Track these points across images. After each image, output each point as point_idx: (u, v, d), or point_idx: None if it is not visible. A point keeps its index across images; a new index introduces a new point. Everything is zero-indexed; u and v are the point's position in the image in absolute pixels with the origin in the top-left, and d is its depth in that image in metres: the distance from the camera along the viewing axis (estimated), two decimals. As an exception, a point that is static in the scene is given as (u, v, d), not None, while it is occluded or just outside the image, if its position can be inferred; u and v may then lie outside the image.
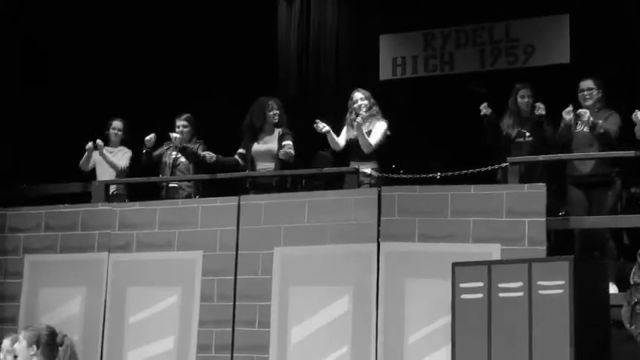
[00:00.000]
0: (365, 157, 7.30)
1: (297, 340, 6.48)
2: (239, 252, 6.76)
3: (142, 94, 9.99)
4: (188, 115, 8.04)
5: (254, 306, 6.63)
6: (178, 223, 6.99)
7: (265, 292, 6.62)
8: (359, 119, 7.26)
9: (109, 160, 8.10)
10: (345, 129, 7.52)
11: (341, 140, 7.46)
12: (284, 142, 7.43)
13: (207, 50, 10.42)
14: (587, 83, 7.20)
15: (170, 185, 7.87)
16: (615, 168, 6.97)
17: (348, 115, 7.51)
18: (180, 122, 7.99)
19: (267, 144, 7.62)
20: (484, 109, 7.46)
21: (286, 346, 6.50)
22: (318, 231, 6.57)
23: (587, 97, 7.16)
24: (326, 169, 7.84)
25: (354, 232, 6.47)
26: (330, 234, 6.54)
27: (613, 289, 6.36)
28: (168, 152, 7.98)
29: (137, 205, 7.26)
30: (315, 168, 8.11)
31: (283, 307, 6.56)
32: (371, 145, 7.26)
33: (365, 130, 7.29)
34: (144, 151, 7.89)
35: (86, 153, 8.13)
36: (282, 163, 7.53)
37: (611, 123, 7.02)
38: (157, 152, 7.95)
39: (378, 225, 6.42)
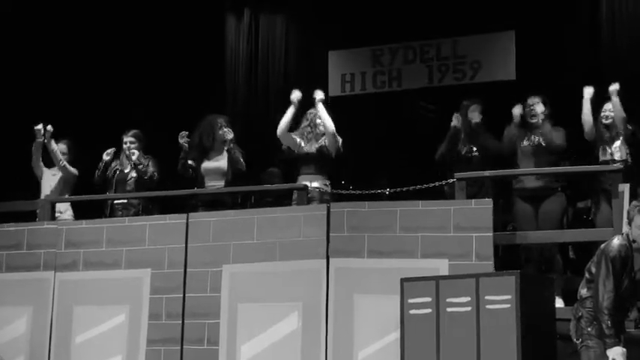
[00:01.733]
0: (314, 173, 7.30)
1: (247, 357, 6.44)
2: (188, 270, 6.72)
3: (86, 110, 9.89)
4: (136, 131, 7.99)
5: (203, 324, 6.58)
6: (126, 241, 6.92)
7: (214, 310, 6.58)
8: (320, 103, 7.29)
9: (53, 148, 7.97)
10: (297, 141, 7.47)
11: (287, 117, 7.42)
12: None
13: (152, 65, 10.36)
14: (533, 100, 7.31)
15: (118, 202, 7.80)
16: (561, 182, 7.07)
17: (302, 129, 7.49)
18: (127, 138, 7.94)
19: (217, 162, 7.61)
20: (455, 119, 7.51)
21: (235, 364, 6.47)
22: (267, 248, 6.55)
23: (534, 113, 7.26)
24: (275, 186, 7.83)
25: (304, 249, 6.46)
26: (279, 251, 6.52)
27: (559, 303, 6.43)
28: (118, 169, 7.92)
29: (84, 223, 7.18)
30: (264, 184, 8.09)
31: (232, 324, 6.52)
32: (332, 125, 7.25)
33: (317, 146, 7.32)
34: (101, 164, 7.83)
35: (34, 147, 8.02)
36: (232, 181, 7.52)
37: (558, 137, 7.13)
38: (109, 167, 7.89)
39: (327, 241, 6.42)
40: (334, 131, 7.30)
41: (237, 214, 6.84)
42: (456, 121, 7.51)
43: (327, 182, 7.34)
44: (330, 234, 6.42)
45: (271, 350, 6.41)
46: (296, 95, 7.42)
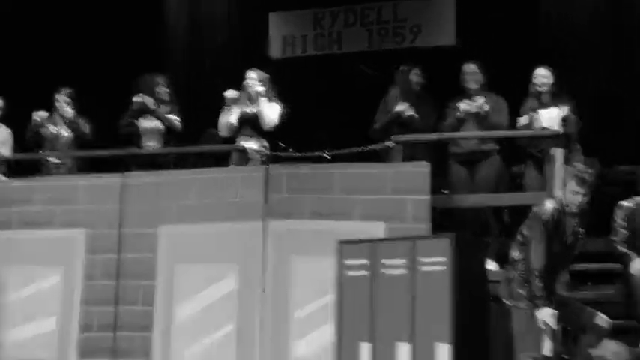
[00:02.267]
0: (253, 134, 7.26)
1: (182, 318, 6.44)
2: (123, 230, 6.65)
3: (20, 69, 9.67)
4: (69, 89, 7.84)
5: (138, 285, 6.54)
6: (60, 200, 6.82)
7: (150, 271, 6.54)
8: (259, 89, 7.22)
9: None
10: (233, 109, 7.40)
11: (233, 118, 7.34)
12: None
13: (89, 23, 10.15)
14: (470, 67, 7.32)
15: (53, 162, 7.66)
16: (496, 146, 7.13)
17: (241, 93, 7.42)
18: (60, 97, 7.78)
19: (155, 122, 7.53)
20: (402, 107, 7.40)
21: (171, 325, 6.44)
22: (205, 209, 6.52)
23: (471, 80, 7.28)
24: (213, 147, 7.77)
25: (241, 210, 6.44)
26: (216, 212, 6.49)
27: (493, 265, 6.52)
28: (50, 127, 7.77)
29: (16, 182, 7.05)
30: (203, 145, 8.02)
31: (168, 285, 6.49)
32: (273, 119, 7.21)
33: (255, 108, 7.26)
34: (32, 125, 7.67)
35: None
36: (169, 141, 7.45)
37: (498, 113, 7.11)
38: (41, 128, 7.74)
39: (265, 203, 6.42)
40: (275, 122, 7.24)
41: (174, 175, 6.79)
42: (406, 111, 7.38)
43: (266, 144, 7.30)
44: (268, 195, 6.41)
45: (207, 311, 6.40)
46: (230, 94, 7.29)
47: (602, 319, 5.39)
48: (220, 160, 7.65)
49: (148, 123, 7.53)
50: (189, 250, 6.52)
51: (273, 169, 6.54)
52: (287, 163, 6.84)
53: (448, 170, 7.24)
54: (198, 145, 8.04)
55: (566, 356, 5.82)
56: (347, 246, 5.86)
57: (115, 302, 6.56)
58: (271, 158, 7.17)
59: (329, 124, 9.73)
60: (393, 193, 6.30)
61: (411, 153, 6.87)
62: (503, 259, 6.23)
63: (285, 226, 6.37)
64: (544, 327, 5.23)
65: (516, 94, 7.23)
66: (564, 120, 6.88)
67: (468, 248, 5.60)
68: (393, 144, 6.70)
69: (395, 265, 5.62)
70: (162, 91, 7.53)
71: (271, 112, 7.25)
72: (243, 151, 7.09)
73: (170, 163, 7.43)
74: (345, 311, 5.78)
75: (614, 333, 5.27)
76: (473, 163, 7.12)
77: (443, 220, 7.06)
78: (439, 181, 7.07)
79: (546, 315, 5.24)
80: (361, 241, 5.87)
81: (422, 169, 6.33)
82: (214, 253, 6.45)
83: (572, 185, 5.37)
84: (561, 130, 6.79)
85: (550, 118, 6.91)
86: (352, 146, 7.06)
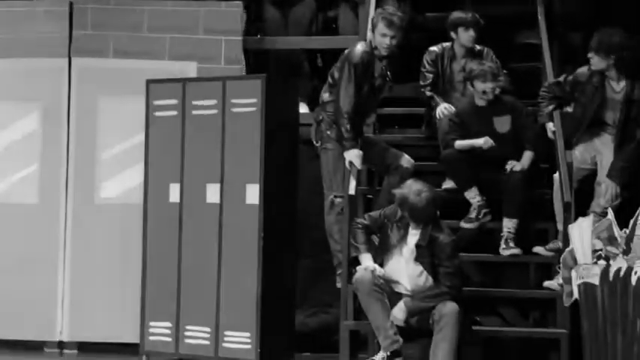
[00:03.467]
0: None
1: (-18, 157, 6.19)
2: None
3: None
4: None
5: None
6: None
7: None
8: None
9: None
10: None
11: None
12: None
13: None
14: None
15: None
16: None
17: None
18: None
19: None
20: None
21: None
22: (4, 44, 6.20)
23: None
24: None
25: (44, 46, 6.18)
26: (16, 47, 6.19)
27: (304, 108, 6.55)
28: None
29: None
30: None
31: (-34, 123, 6.19)
32: None
33: None
34: None
35: None
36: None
37: None
38: None
39: (70, 39, 6.17)
40: None
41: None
42: None
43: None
44: (73, 32, 6.18)
45: (9, 150, 6.20)
46: None
47: (406, 160, 5.57)
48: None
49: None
50: (-13, 87, 6.21)
51: (78, 3, 6.25)
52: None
53: (262, 11, 7.11)
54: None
55: (370, 195, 6.03)
56: (156, 86, 5.73)
57: None
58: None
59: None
60: (206, 33, 6.19)
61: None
62: (313, 103, 6.28)
63: (90, 64, 6.16)
64: (350, 167, 5.36)
65: None
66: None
67: (280, 90, 5.60)
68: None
69: (205, 106, 5.57)
70: None
71: None
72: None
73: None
74: (153, 152, 5.71)
75: (417, 174, 5.47)
76: (288, 5, 7.02)
77: (256, 62, 7.00)
78: (253, 23, 6.97)
79: (353, 156, 5.36)
80: (171, 80, 5.76)
81: (235, 8, 6.23)
82: (15, 90, 6.18)
83: (381, 27, 5.40)
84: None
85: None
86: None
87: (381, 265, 4.91)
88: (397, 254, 4.89)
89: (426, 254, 4.81)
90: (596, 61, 5.27)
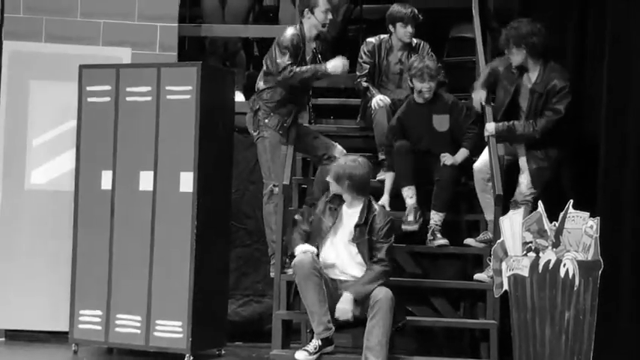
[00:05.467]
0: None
1: None
2: None
3: None
4: None
5: None
6: None
7: None
8: None
9: None
10: None
11: None
12: None
13: None
14: None
15: None
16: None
17: None
18: None
19: None
20: None
21: None
22: None
23: None
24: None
25: (-27, 29, 6.03)
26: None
27: (240, 97, 6.52)
28: None
29: None
30: None
31: None
32: None
33: None
34: None
35: None
36: None
37: None
38: None
39: (1, 23, 6.05)
40: None
41: None
42: None
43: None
44: (5, 15, 6.07)
45: None
46: None
47: (338, 151, 5.59)
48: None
49: None
50: None
51: (10, -15, 6.11)
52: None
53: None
54: None
55: (304, 185, 6.04)
56: (89, 71, 5.65)
57: None
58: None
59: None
60: (141, 19, 6.12)
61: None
62: (249, 91, 6.26)
63: (22, 48, 6.05)
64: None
65: None
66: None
67: (215, 78, 5.57)
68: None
69: (139, 93, 5.51)
70: None
71: None
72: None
73: None
74: (86, 139, 5.63)
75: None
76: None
77: (192, 50, 6.95)
78: (190, 10, 6.93)
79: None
80: (104, 66, 5.68)
81: (171, -6, 6.16)
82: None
83: (323, 3, 5.44)
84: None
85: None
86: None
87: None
88: (332, 236, 4.91)
89: (363, 233, 4.83)
90: (514, 56, 5.32)
